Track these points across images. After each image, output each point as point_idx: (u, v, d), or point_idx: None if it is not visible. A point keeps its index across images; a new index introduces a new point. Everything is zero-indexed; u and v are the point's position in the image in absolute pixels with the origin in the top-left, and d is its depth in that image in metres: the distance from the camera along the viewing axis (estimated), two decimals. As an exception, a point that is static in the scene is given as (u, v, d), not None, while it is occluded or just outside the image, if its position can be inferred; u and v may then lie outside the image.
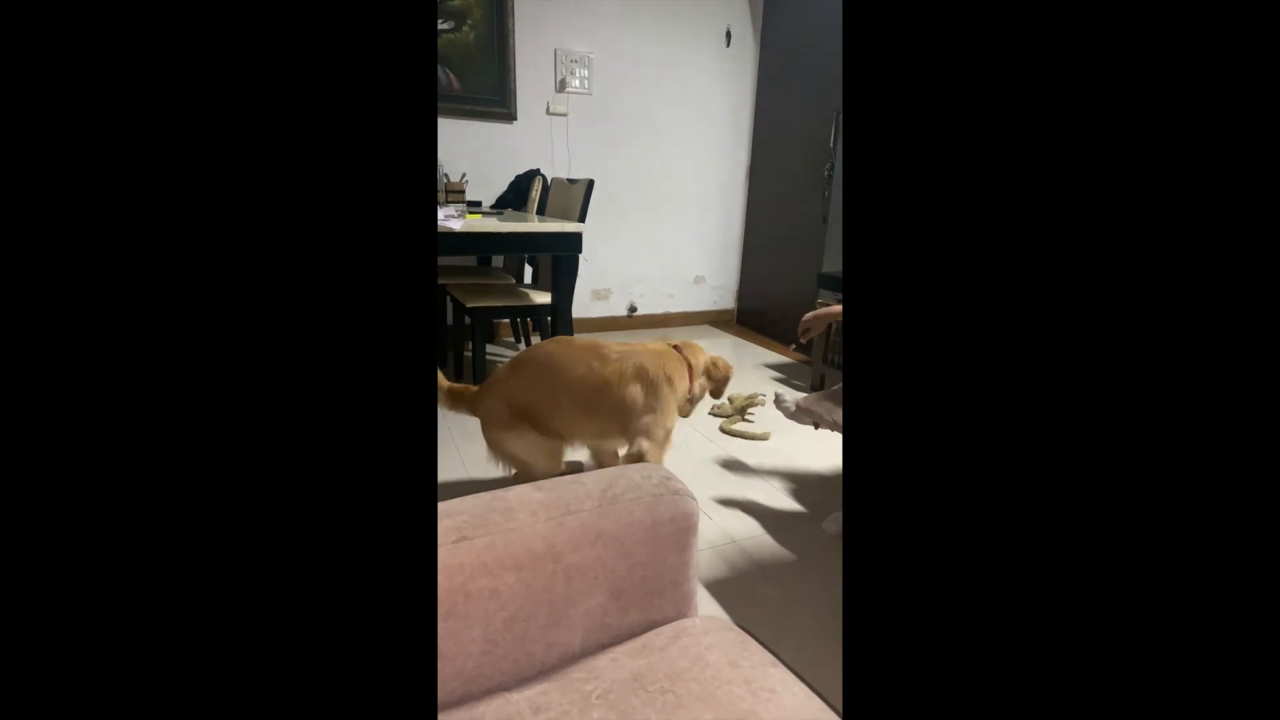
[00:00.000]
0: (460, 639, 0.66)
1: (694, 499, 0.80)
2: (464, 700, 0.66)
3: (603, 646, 0.74)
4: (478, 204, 3.07)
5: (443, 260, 2.95)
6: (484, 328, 2.44)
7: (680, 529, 0.77)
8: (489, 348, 3.21)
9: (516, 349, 3.29)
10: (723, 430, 2.32)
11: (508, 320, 3.40)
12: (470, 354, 2.52)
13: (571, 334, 2.48)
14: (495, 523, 0.69)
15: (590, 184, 2.52)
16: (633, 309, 3.86)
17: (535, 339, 3.20)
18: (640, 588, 0.76)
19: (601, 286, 3.73)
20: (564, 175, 3.11)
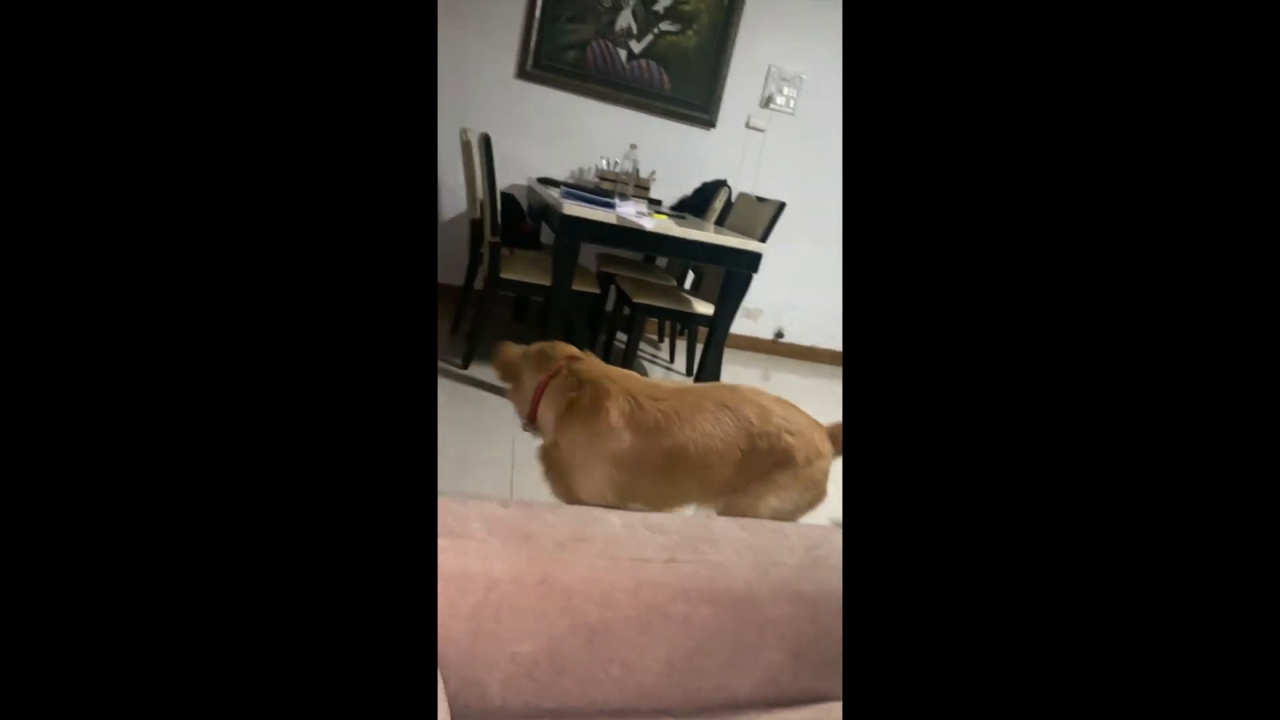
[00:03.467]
0: (645, 655, 0.67)
1: (895, 582, 0.75)
2: (635, 713, 0.67)
3: (769, 704, 0.72)
4: (659, 203, 3.13)
5: (612, 250, 3.05)
6: (642, 323, 2.50)
7: (876, 610, 0.73)
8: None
9: (658, 348, 3.34)
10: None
11: (654, 319, 3.45)
12: (621, 344, 2.59)
13: (721, 352, 2.47)
14: (703, 553, 0.69)
15: (781, 206, 2.49)
16: (779, 334, 3.78)
17: (680, 343, 3.23)
18: (822, 656, 0.73)
19: (753, 305, 3.68)
20: (749, 190, 3.09)
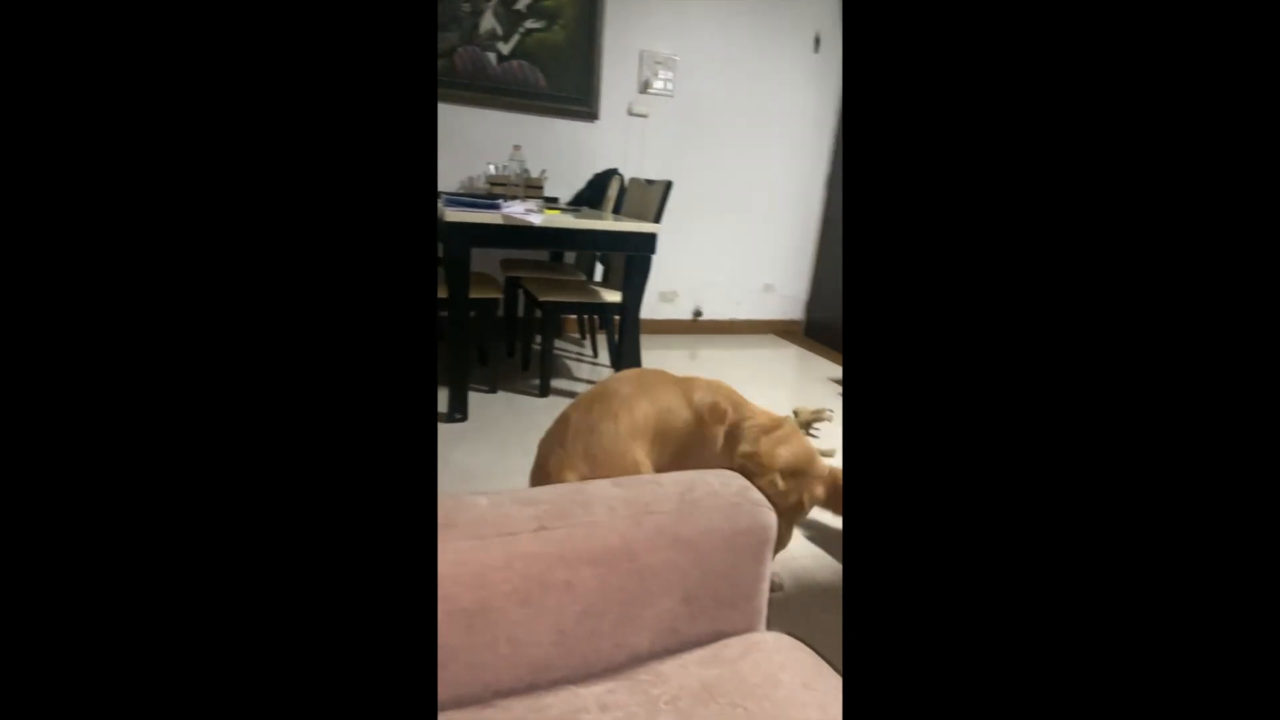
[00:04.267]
0: (533, 627, 0.66)
1: (772, 511, 0.77)
2: (531, 689, 0.67)
3: (670, 652, 0.73)
4: (555, 200, 3.12)
5: (517, 254, 3.02)
6: (555, 322, 2.48)
7: (758, 540, 0.75)
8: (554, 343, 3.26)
9: (581, 345, 3.33)
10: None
11: (575, 317, 3.44)
12: (539, 347, 2.56)
13: (638, 337, 2.48)
14: (575, 515, 0.69)
15: (668, 186, 2.52)
16: (698, 313, 3.84)
17: (600, 337, 3.23)
18: (713, 596, 0.74)
19: (669, 288, 3.72)
20: (641, 176, 3.12)
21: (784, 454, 1.28)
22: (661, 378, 1.32)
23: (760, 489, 1.16)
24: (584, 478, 1.17)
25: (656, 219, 2.46)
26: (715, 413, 1.29)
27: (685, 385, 1.32)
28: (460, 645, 0.63)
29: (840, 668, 1.14)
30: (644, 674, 0.69)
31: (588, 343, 3.34)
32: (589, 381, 2.77)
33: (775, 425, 1.31)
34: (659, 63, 3.29)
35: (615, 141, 3.33)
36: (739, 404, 1.33)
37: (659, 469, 1.28)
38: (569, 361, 3.04)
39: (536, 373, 2.69)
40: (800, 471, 1.28)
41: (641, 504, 0.73)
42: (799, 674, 0.68)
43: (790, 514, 1.27)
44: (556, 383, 2.63)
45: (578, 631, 0.68)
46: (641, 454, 1.20)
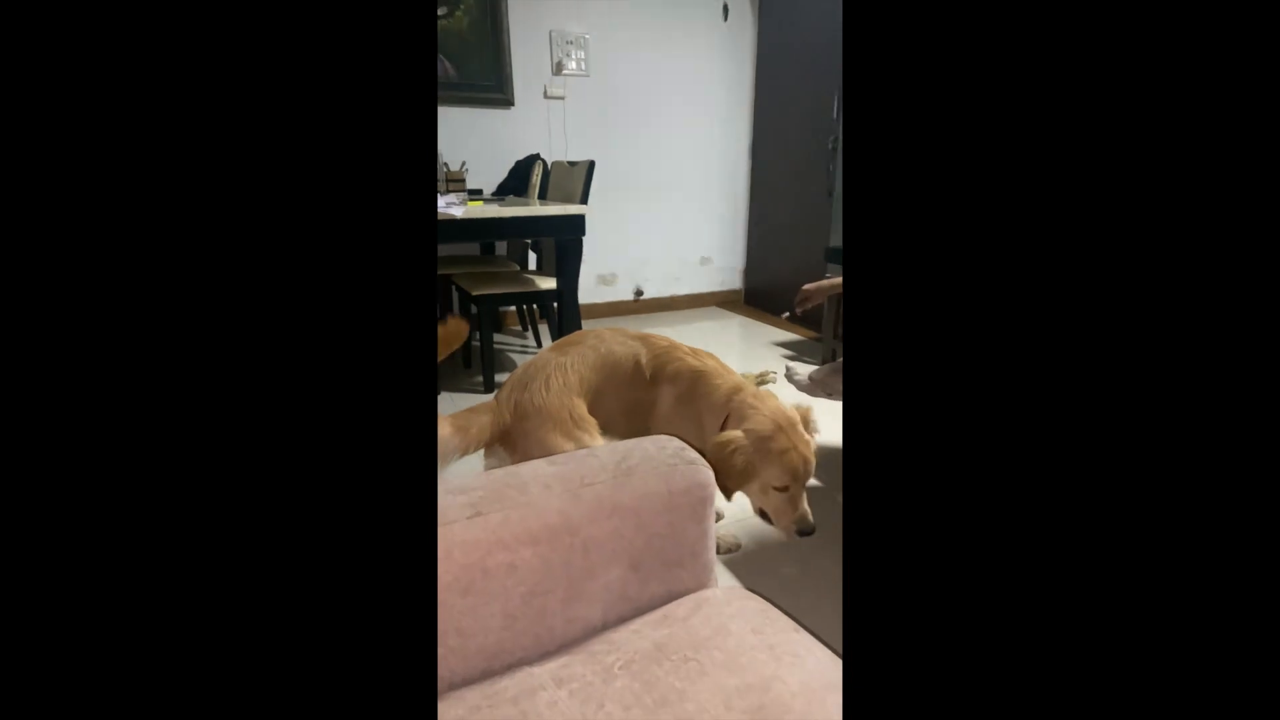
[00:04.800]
0: (479, 615, 0.65)
1: (709, 468, 0.78)
2: (486, 675, 0.66)
3: (624, 619, 0.73)
4: (479, 192, 3.05)
5: (445, 249, 2.94)
6: (491, 316, 2.43)
7: (697, 499, 0.76)
8: (495, 337, 3.20)
9: (524, 337, 3.29)
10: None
11: (514, 309, 3.39)
12: (479, 343, 2.52)
13: (579, 321, 2.47)
14: (510, 498, 0.68)
15: (591, 165, 2.50)
16: (639, 293, 3.84)
17: (542, 327, 3.19)
18: (659, 559, 0.75)
19: (607, 271, 3.71)
20: (565, 159, 3.08)
21: (763, 425, 1.20)
22: (619, 335, 1.36)
23: (763, 470, 1.16)
24: (508, 431, 1.21)
25: (583, 200, 2.43)
26: (661, 374, 1.31)
27: (644, 344, 1.34)
28: (404, 642, 0.62)
29: (797, 617, 1.17)
30: (598, 644, 0.69)
31: (530, 334, 3.30)
32: (535, 372, 2.74)
33: (733, 394, 1.26)
34: (570, 42, 3.24)
35: (534, 127, 3.27)
36: (696, 373, 1.30)
37: (608, 419, 1.30)
38: (512, 355, 3.00)
39: (479, 369, 2.64)
40: (791, 427, 1.21)
41: (577, 477, 0.72)
42: (748, 622, 0.70)
43: (805, 471, 1.21)
44: (501, 377, 2.59)
45: (526, 612, 0.68)
46: (580, 404, 1.25)
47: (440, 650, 0.64)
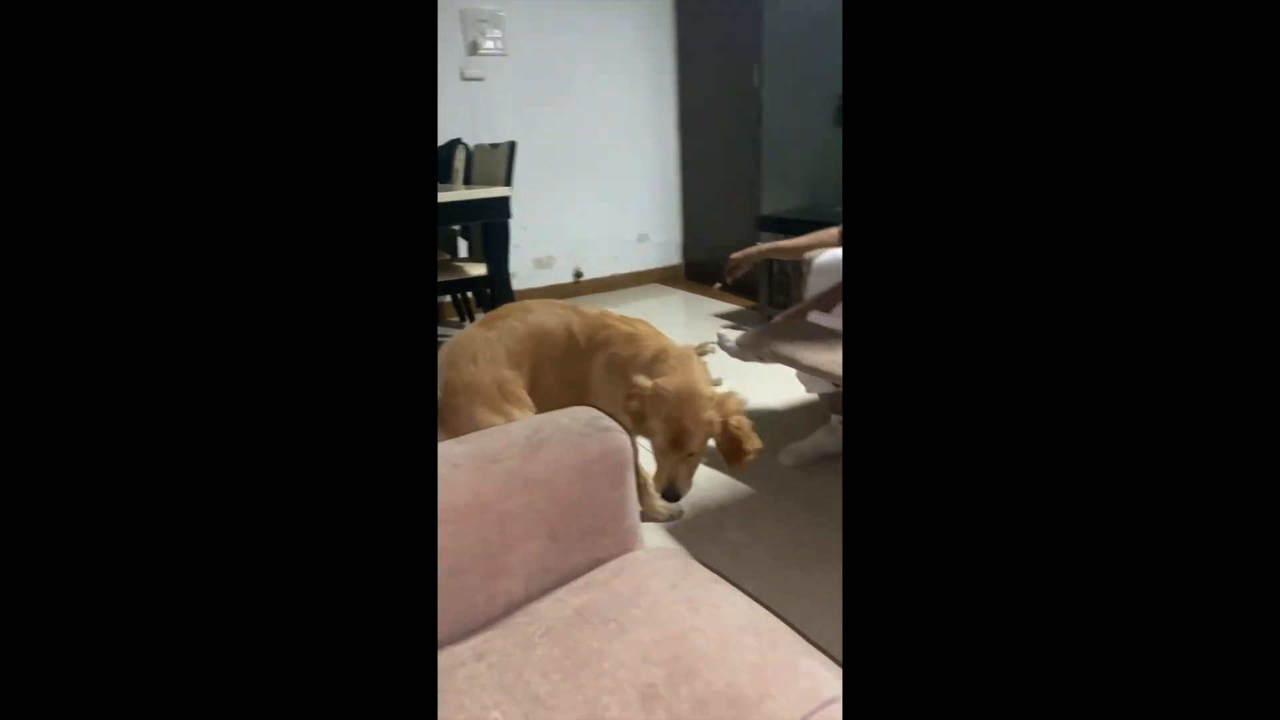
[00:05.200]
0: (395, 600, 0.64)
1: (624, 433, 0.79)
2: (407, 660, 0.65)
3: (547, 590, 0.74)
4: (401, 181, 2.94)
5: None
6: (422, 307, 2.37)
7: (613, 465, 0.77)
8: (434, 329, 3.13)
9: (462, 326, 3.22)
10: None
11: (449, 298, 3.31)
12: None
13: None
14: (416, 480, 0.67)
15: (512, 145, 2.45)
16: (579, 274, 3.81)
17: (479, 315, 3.14)
18: (578, 528, 0.75)
19: (544, 254, 3.66)
20: (485, 141, 3.01)
21: (668, 385, 1.22)
22: (548, 305, 1.38)
23: (650, 424, 1.20)
24: (439, 409, 1.23)
25: (507, 181, 2.39)
26: (593, 341, 1.32)
27: (574, 313, 1.37)
28: (313, 635, 0.61)
29: (742, 579, 1.20)
30: (520, 616, 0.69)
31: (467, 324, 3.23)
32: (475, 362, 2.70)
33: (660, 356, 1.27)
34: (484, 21, 3.14)
35: (454, 110, 3.17)
36: (627, 337, 1.32)
37: (547, 395, 1.32)
38: (452, 346, 2.94)
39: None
40: (688, 399, 1.22)
41: (487, 454, 0.72)
42: (668, 579, 0.71)
43: (681, 442, 1.25)
44: (440, 369, 2.54)
45: (445, 592, 0.67)
46: (512, 376, 1.27)
47: (356, 639, 0.63)
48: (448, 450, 0.72)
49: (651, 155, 3.86)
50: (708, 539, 1.42)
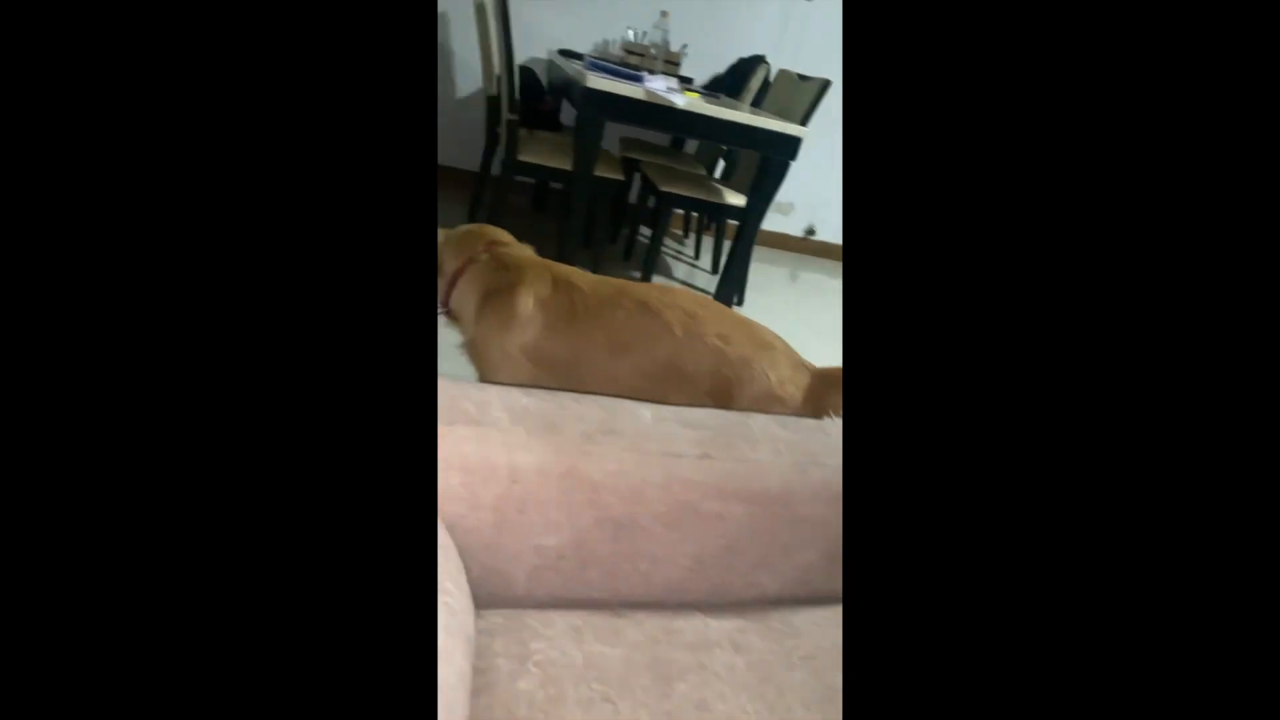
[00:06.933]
0: (674, 551, 0.64)
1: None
2: (659, 607, 0.65)
3: (799, 602, 0.70)
4: (689, 80, 2.87)
5: (638, 133, 2.84)
6: (668, 215, 2.36)
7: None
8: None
9: (683, 243, 3.21)
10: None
11: (682, 212, 3.29)
12: (645, 238, 2.47)
13: (751, 247, 2.34)
14: (740, 450, 0.65)
15: (825, 85, 2.26)
16: (810, 231, 3.60)
17: (707, 238, 3.09)
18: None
19: (784, 199, 3.48)
20: (790, 68, 2.81)
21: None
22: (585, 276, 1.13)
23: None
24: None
25: (804, 122, 2.23)
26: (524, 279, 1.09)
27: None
28: (605, 554, 0.62)
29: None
30: (775, 620, 0.66)
31: (690, 241, 3.21)
32: (685, 283, 2.68)
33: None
34: (838, -65, 2.85)
35: (769, 25, 2.99)
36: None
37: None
38: (668, 258, 2.94)
39: (637, 264, 2.62)
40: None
41: (808, 452, 0.67)
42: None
43: None
44: (658, 279, 2.56)
45: (716, 564, 0.66)
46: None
47: (629, 569, 0.64)
48: (771, 430, 0.69)
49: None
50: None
